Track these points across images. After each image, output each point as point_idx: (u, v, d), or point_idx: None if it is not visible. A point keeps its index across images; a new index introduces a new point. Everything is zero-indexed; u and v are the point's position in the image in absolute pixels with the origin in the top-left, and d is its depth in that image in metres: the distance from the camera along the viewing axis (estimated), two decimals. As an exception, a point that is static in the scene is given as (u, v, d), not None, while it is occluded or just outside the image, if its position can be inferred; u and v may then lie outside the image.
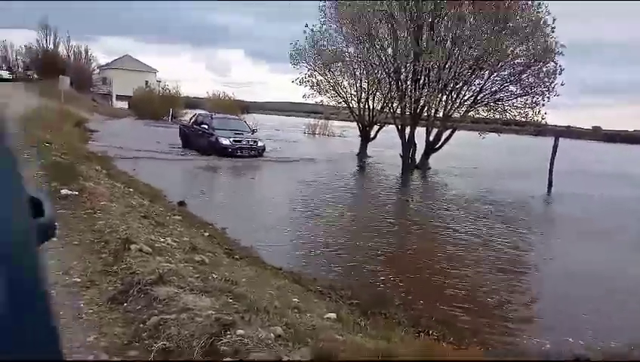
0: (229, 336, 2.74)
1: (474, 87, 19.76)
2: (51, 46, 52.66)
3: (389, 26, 19.32)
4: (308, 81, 23.30)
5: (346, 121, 28.05)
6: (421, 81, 19.03)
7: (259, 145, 18.76)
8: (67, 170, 7.59)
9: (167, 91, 41.85)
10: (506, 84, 19.57)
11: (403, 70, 19.37)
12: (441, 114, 19.81)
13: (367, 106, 23.76)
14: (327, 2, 22.10)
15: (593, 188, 15.56)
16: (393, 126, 20.90)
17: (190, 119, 21.46)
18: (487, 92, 19.86)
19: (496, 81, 19.57)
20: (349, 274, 6.35)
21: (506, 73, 19.28)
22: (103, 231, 4.91)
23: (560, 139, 16.16)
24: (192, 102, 48.05)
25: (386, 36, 19.83)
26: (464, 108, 20.00)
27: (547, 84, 18.85)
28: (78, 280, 3.73)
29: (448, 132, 19.96)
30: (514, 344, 4.63)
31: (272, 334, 2.84)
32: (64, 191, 6.24)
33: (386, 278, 6.25)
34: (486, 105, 20.26)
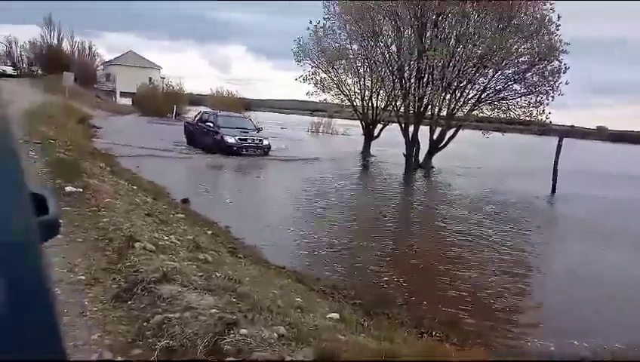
0: (232, 335, 2.75)
1: (478, 86, 19.71)
2: (55, 42, 52.85)
3: (393, 23, 19.27)
4: (311, 79, 23.32)
5: (350, 119, 28.05)
6: (425, 79, 18.96)
7: (264, 143, 18.65)
8: (71, 167, 7.61)
9: (171, 88, 41.95)
10: (510, 83, 19.50)
11: (407, 68, 19.33)
12: (444, 112, 19.77)
13: (370, 104, 23.71)
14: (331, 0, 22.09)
15: (598, 188, 15.49)
16: (396, 124, 20.86)
17: (195, 117, 21.41)
18: (491, 91, 19.80)
19: (501, 79, 19.51)
20: (352, 274, 6.35)
21: (510, 72, 19.21)
22: (107, 229, 4.92)
23: (564, 138, 16.09)
24: (196, 99, 48.11)
25: (390, 33, 19.78)
26: (468, 107, 19.93)
27: (551, 82, 18.77)
28: (83, 277, 3.75)
29: (452, 131, 19.89)
30: (517, 345, 4.62)
31: (274, 333, 2.84)
32: (68, 189, 6.26)
33: (389, 278, 6.24)
34: (490, 104, 20.19)
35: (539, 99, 19.16)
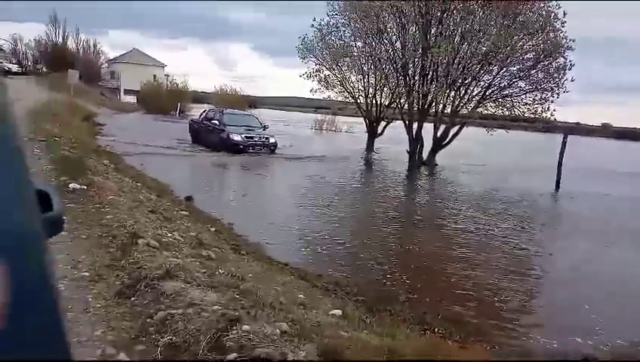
0: (235, 332, 2.76)
1: (482, 83, 19.60)
2: (60, 40, 53.08)
3: (398, 20, 19.20)
4: (315, 76, 23.27)
5: (353, 116, 27.99)
6: (429, 77, 18.89)
7: (271, 141, 18.49)
8: (76, 164, 7.64)
9: (175, 85, 42.00)
10: (515, 80, 19.38)
11: (411, 65, 19.26)
12: (448, 110, 19.68)
13: (374, 102, 23.65)
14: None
15: (602, 186, 15.41)
16: (400, 122, 20.80)
17: (200, 115, 21.32)
18: (495, 88, 19.69)
19: (505, 76, 19.39)
20: (355, 271, 6.35)
21: (515, 69, 19.09)
22: (110, 226, 4.94)
23: (569, 136, 16.00)
24: (200, 97, 48.19)
25: (395, 30, 19.71)
26: (472, 104, 19.84)
27: (557, 79, 18.67)
28: (87, 274, 3.77)
29: (456, 128, 19.81)
30: (520, 343, 4.61)
31: (277, 330, 2.84)
32: (72, 186, 6.29)
33: (392, 276, 6.24)
34: (494, 101, 20.10)
35: (544, 96, 19.06)
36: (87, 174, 7.10)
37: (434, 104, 19.35)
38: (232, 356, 2.57)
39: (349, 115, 29.57)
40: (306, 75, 23.29)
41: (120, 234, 4.64)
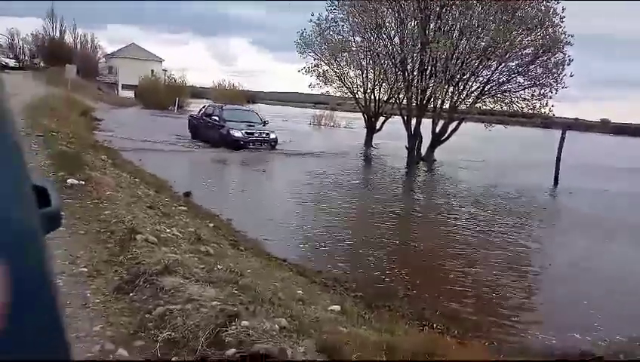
0: (233, 327, 2.76)
1: (481, 78, 19.57)
2: (57, 34, 52.85)
3: (397, 15, 19.15)
4: (314, 71, 23.24)
5: (352, 111, 27.97)
6: (428, 72, 18.85)
7: (271, 137, 18.39)
8: (73, 160, 7.62)
9: (173, 80, 41.91)
10: (513, 75, 19.36)
11: (410, 60, 19.21)
12: (447, 105, 19.67)
13: (373, 97, 23.64)
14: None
15: (600, 181, 15.43)
16: (399, 117, 20.79)
17: (199, 110, 21.20)
18: (494, 83, 19.67)
19: (504, 71, 19.36)
20: (354, 266, 6.36)
21: (513, 64, 19.06)
22: (109, 221, 4.94)
23: (568, 131, 16.01)
24: (198, 92, 48.13)
25: (393, 25, 19.65)
26: (471, 100, 19.83)
27: (555, 75, 18.65)
28: (85, 269, 3.76)
29: (455, 124, 19.80)
30: (518, 339, 4.62)
31: (276, 325, 2.85)
32: (70, 181, 6.27)
33: (391, 271, 6.25)
34: (493, 97, 20.09)
35: (542, 91, 19.05)
36: (85, 169, 7.09)
37: (432, 99, 19.33)
38: (231, 351, 2.57)
39: (347, 111, 29.57)
40: (304, 70, 23.29)
41: (118, 230, 4.64)
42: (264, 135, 18.26)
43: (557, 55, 18.48)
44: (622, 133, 58.52)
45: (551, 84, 18.76)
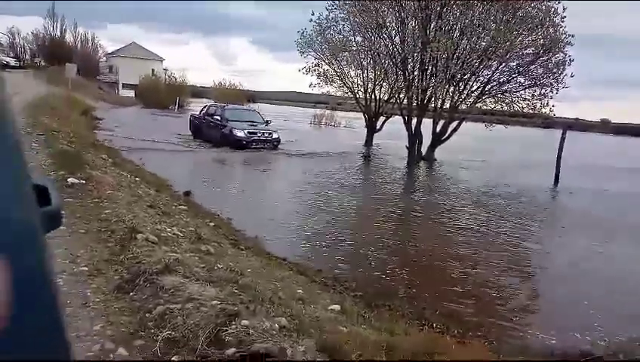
0: (233, 326, 2.76)
1: (482, 78, 19.57)
2: (58, 33, 52.85)
3: (397, 14, 19.13)
4: (314, 70, 23.23)
5: (352, 111, 27.97)
6: (428, 71, 18.84)
7: (274, 136, 18.30)
8: (74, 159, 7.62)
9: (174, 80, 41.91)
10: (514, 75, 19.36)
11: (410, 60, 19.20)
12: (448, 105, 19.66)
13: (373, 97, 23.63)
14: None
15: (601, 181, 15.42)
16: (399, 117, 20.78)
17: (201, 110, 21.12)
18: (494, 83, 19.67)
19: (505, 71, 19.36)
20: (354, 266, 6.36)
21: (514, 64, 19.05)
22: (109, 220, 4.94)
23: (568, 131, 16.00)
24: (199, 91, 48.14)
25: (394, 25, 19.64)
26: (471, 100, 19.83)
27: (556, 75, 18.64)
28: (85, 268, 3.76)
29: (455, 123, 19.80)
30: (518, 339, 4.62)
31: (276, 325, 2.85)
32: (71, 180, 6.28)
33: (391, 271, 6.25)
34: (494, 97, 20.08)
35: (543, 91, 19.04)
36: (86, 168, 7.09)
37: (433, 99, 19.32)
38: (231, 351, 2.58)
39: (347, 110, 29.56)
40: (304, 70, 23.28)
41: (119, 229, 4.64)
42: (267, 135, 18.18)
43: (557, 55, 18.49)
44: (622, 133, 58.46)
45: (551, 84, 18.77)
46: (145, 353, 2.68)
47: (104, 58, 58.96)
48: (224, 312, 2.87)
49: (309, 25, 22.69)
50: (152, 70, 49.15)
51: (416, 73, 19.25)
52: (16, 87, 17.54)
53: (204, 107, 21.40)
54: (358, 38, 21.53)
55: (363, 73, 23.21)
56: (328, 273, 5.68)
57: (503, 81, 19.61)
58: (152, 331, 2.85)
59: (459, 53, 18.18)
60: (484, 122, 22.12)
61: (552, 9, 18.09)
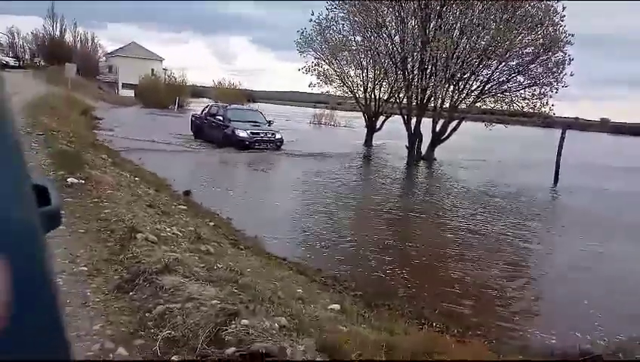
0: (233, 326, 2.76)
1: (481, 78, 19.57)
2: (58, 33, 52.84)
3: (397, 14, 19.13)
4: (314, 70, 23.21)
5: (352, 111, 27.96)
6: (428, 71, 18.85)
7: (277, 137, 18.21)
8: (74, 159, 7.62)
9: (173, 79, 41.90)
10: (513, 75, 19.36)
11: (410, 59, 19.20)
12: (447, 104, 19.66)
13: (373, 96, 23.63)
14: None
15: (600, 180, 15.43)
16: (399, 116, 20.77)
17: (203, 110, 21.02)
18: (494, 82, 19.66)
19: (504, 71, 19.36)
20: (354, 265, 6.36)
21: (514, 63, 19.05)
22: (109, 220, 4.94)
23: (568, 130, 16.00)
24: (199, 91, 48.15)
25: (394, 24, 19.64)
26: (471, 99, 19.82)
27: (556, 74, 18.65)
28: (85, 268, 3.76)
29: (455, 123, 19.80)
30: (518, 338, 4.62)
31: (276, 324, 2.85)
32: (70, 180, 6.27)
33: (391, 271, 6.25)
34: (493, 96, 20.07)
35: (542, 90, 19.05)
36: (85, 168, 7.09)
37: (433, 98, 19.32)
38: (231, 350, 2.58)
39: (347, 110, 29.55)
40: (304, 69, 23.26)
41: (118, 229, 4.64)
42: (269, 135, 18.09)
43: (557, 54, 18.49)
44: (621, 132, 58.45)
45: (551, 83, 18.77)
46: (145, 352, 2.68)
47: (104, 58, 58.94)
48: (224, 312, 2.87)
49: (309, 24, 22.73)
50: (152, 70, 49.14)
51: (415, 72, 19.25)
52: (15, 87, 17.53)
53: (206, 107, 21.27)
54: (358, 38, 21.57)
55: (363, 73, 23.22)
56: (328, 272, 5.68)
57: (503, 81, 19.61)
58: (152, 330, 2.85)
59: (458, 52, 18.18)
60: (483, 121, 22.12)
61: (552, 8, 18.10)
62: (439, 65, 18.43)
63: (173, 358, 2.60)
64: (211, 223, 6.84)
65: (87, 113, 21.85)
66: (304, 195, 11.01)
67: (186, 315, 2.89)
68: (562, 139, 15.55)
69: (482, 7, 17.88)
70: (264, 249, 6.28)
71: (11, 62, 49.25)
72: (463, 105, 19.83)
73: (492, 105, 20.45)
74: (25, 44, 56.72)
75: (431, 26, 18.25)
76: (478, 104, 20.06)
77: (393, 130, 22.56)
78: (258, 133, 17.80)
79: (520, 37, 18.02)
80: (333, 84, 23.90)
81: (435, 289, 5.71)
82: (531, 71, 18.98)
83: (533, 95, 19.31)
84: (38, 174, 6.16)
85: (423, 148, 19.65)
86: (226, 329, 2.71)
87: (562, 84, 18.64)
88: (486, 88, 19.71)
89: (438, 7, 18.08)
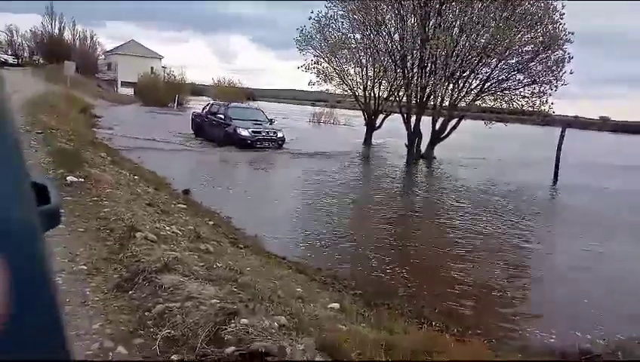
0: (233, 325, 2.76)
1: (481, 76, 19.56)
2: (57, 31, 52.80)
3: (397, 12, 19.11)
4: (313, 68, 23.19)
5: (351, 109, 27.95)
6: (428, 69, 18.83)
7: (279, 135, 18.13)
8: (73, 157, 7.61)
9: (173, 78, 41.85)
10: (513, 73, 19.35)
11: (409, 57, 19.19)
12: (447, 102, 19.65)
13: (372, 94, 23.61)
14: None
15: (600, 179, 15.43)
16: (398, 115, 20.76)
17: (203, 108, 20.89)
18: (494, 80, 19.65)
19: (504, 69, 19.35)
20: (353, 265, 6.36)
21: (513, 61, 19.04)
22: (108, 219, 4.93)
23: (568, 129, 16.00)
24: (198, 89, 48.11)
25: (393, 22, 19.61)
26: (471, 97, 19.81)
27: (555, 72, 18.64)
28: (84, 267, 3.76)
29: (454, 121, 19.80)
30: (518, 337, 4.62)
31: (275, 323, 2.85)
32: (70, 178, 6.27)
33: (391, 270, 6.25)
34: (493, 94, 20.06)
35: (542, 89, 19.05)
36: (85, 167, 7.08)
37: (432, 97, 19.31)
38: (230, 349, 2.57)
39: (347, 108, 29.53)
40: (303, 68, 23.23)
41: (118, 228, 4.63)
42: (271, 133, 18.00)
43: (557, 52, 18.49)
44: (621, 130, 58.48)
45: (551, 82, 18.77)
46: (144, 351, 2.68)
47: (103, 56, 58.87)
48: (223, 311, 2.87)
49: (309, 23, 22.69)
50: (151, 68, 49.09)
51: (415, 71, 19.23)
52: (14, 85, 17.48)
53: (207, 105, 21.11)
54: (357, 36, 21.52)
55: (362, 71, 23.20)
56: (327, 271, 5.68)
57: (502, 79, 19.59)
58: (152, 330, 2.85)
59: (458, 50, 18.16)
60: (483, 120, 22.10)
61: (552, 6, 18.09)
62: (439, 63, 18.41)
63: (172, 357, 2.60)
64: (211, 222, 6.84)
65: (87, 111, 21.83)
66: (304, 194, 11.01)
67: (185, 314, 2.89)
68: (562, 137, 15.55)
69: (482, 5, 17.85)
70: (264, 248, 6.28)
71: (10, 60, 49.25)
72: (463, 104, 19.82)
73: (492, 104, 20.44)
74: (24, 42, 56.74)
75: (430, 24, 18.23)
76: (477, 102, 20.05)
77: (393, 129, 22.54)
78: (260, 132, 17.69)
79: (519, 35, 18.00)
80: (333, 82, 23.90)
81: (435, 288, 5.71)
82: (531, 69, 18.97)
83: (532, 93, 19.32)
84: (37, 172, 6.15)
85: (423, 147, 19.64)
86: (226, 329, 2.71)
87: (562, 83, 18.66)
88: (485, 86, 19.70)
89: (438, 5, 18.06)
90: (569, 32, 18.17)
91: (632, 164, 20.58)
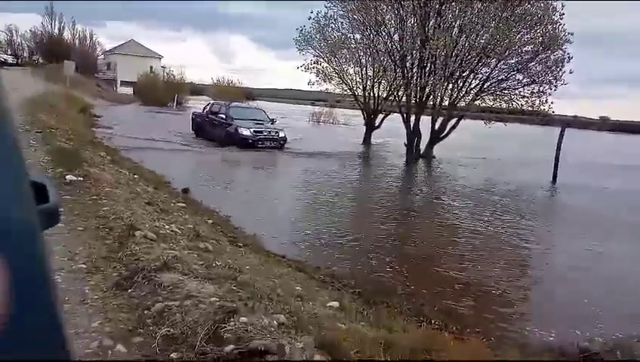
0: (232, 323, 2.76)
1: (480, 76, 19.57)
2: (56, 31, 52.80)
3: (396, 12, 19.11)
4: (313, 68, 23.19)
5: (351, 109, 27.96)
6: (427, 69, 18.84)
7: (280, 135, 18.04)
8: (72, 156, 7.61)
9: (172, 77, 41.86)
10: (513, 73, 19.36)
11: (409, 57, 19.19)
12: (446, 102, 19.66)
13: (372, 94, 23.62)
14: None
15: (600, 179, 15.43)
16: (398, 114, 20.77)
17: (204, 108, 20.82)
18: (493, 80, 19.66)
19: (503, 69, 19.36)
20: (353, 263, 6.36)
21: (513, 61, 19.05)
22: (107, 218, 4.93)
23: (567, 129, 16.00)
24: (198, 89, 48.13)
25: (393, 22, 19.61)
26: (470, 97, 19.82)
27: (555, 72, 18.65)
28: (83, 266, 3.76)
29: (454, 121, 19.81)
30: (517, 336, 4.62)
31: (275, 322, 2.85)
32: (69, 177, 6.27)
33: (390, 268, 6.25)
34: (492, 94, 20.07)
35: (542, 89, 19.05)
36: (84, 166, 7.08)
37: (432, 96, 19.32)
38: (230, 347, 2.57)
39: (346, 108, 29.54)
40: (303, 67, 23.24)
41: (117, 226, 4.63)
42: (273, 133, 17.92)
43: (556, 52, 18.50)
44: (621, 130, 58.50)
45: (550, 82, 18.78)
46: (143, 350, 2.68)
47: (102, 55, 58.84)
48: (223, 309, 2.87)
49: (309, 22, 22.70)
50: (151, 67, 49.09)
51: (414, 70, 19.23)
52: (14, 85, 17.48)
53: (208, 105, 21.00)
54: (357, 36, 21.55)
55: (362, 70, 23.22)
56: (327, 270, 5.68)
57: (502, 79, 19.60)
58: (151, 328, 2.85)
59: (457, 50, 18.16)
60: (482, 119, 22.10)
61: (551, 6, 18.10)
62: (438, 63, 18.41)
63: (172, 356, 2.60)
64: (210, 221, 6.85)
65: (86, 111, 21.83)
66: (303, 193, 11.01)
67: (184, 313, 2.89)
68: (561, 136, 15.55)
69: (481, 5, 17.84)
70: (263, 246, 6.29)
71: (10, 59, 49.24)
72: (462, 103, 19.84)
73: (491, 104, 20.45)
74: (23, 41, 56.69)
75: (430, 24, 18.23)
76: (477, 102, 20.07)
77: (392, 128, 22.55)
78: (261, 132, 17.61)
79: (519, 35, 18.01)
80: (332, 81, 23.92)
81: (434, 287, 5.71)
82: (530, 69, 18.98)
83: (532, 93, 19.33)
84: (36, 172, 6.15)
85: (422, 146, 19.65)
86: (225, 327, 2.71)
87: (561, 82, 18.68)
88: (485, 86, 19.71)
89: (438, 6, 18.06)
90: (569, 32, 18.22)
91: (632, 163, 20.59)
